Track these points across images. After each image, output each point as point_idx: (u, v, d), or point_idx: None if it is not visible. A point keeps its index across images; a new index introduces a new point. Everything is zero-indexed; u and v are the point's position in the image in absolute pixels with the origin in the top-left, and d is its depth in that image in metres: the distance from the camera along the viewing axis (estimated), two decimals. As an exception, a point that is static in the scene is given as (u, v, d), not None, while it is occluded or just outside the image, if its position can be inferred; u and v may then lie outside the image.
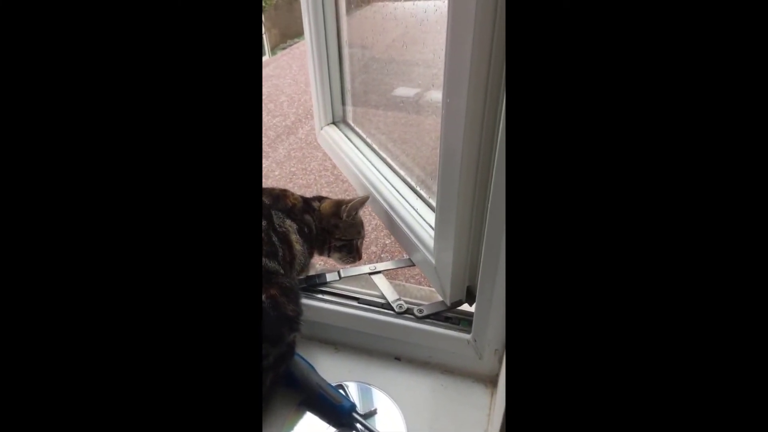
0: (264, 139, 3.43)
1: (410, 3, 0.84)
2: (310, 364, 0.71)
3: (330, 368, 0.73)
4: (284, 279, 0.69)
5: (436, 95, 0.91)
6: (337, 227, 0.84)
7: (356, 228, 0.88)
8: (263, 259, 0.68)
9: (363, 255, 0.91)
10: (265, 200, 0.76)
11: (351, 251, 0.87)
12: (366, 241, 1.17)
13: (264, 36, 6.61)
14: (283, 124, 3.62)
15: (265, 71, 4.73)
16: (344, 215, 0.84)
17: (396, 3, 0.89)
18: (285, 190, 0.83)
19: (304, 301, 0.75)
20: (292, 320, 0.68)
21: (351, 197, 0.88)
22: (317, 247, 0.84)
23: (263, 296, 0.64)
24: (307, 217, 0.82)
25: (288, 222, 0.76)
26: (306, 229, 0.80)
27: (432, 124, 0.94)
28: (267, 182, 2.85)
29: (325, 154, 2.99)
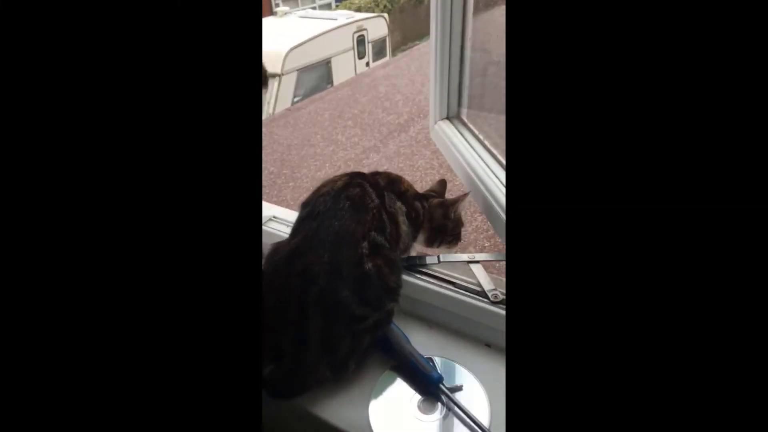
0: (377, 135, 3.60)
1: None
2: (404, 335, 0.77)
3: (422, 342, 0.78)
4: (389, 252, 0.75)
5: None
6: (446, 226, 0.93)
7: (460, 221, 0.96)
8: (372, 233, 0.73)
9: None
10: (381, 182, 0.84)
11: (456, 239, 0.95)
12: (463, 242, 1.25)
13: (387, 38, 6.87)
14: (396, 121, 3.75)
15: (384, 71, 4.92)
16: (452, 215, 0.92)
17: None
18: (400, 177, 0.91)
19: (404, 277, 0.81)
20: (392, 290, 0.74)
21: (451, 197, 0.96)
22: (427, 242, 0.92)
23: (370, 264, 0.71)
24: (417, 204, 0.89)
25: (398, 204, 0.83)
26: (413, 214, 0.86)
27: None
28: (376, 175, 2.98)
29: (433, 152, 3.02)
